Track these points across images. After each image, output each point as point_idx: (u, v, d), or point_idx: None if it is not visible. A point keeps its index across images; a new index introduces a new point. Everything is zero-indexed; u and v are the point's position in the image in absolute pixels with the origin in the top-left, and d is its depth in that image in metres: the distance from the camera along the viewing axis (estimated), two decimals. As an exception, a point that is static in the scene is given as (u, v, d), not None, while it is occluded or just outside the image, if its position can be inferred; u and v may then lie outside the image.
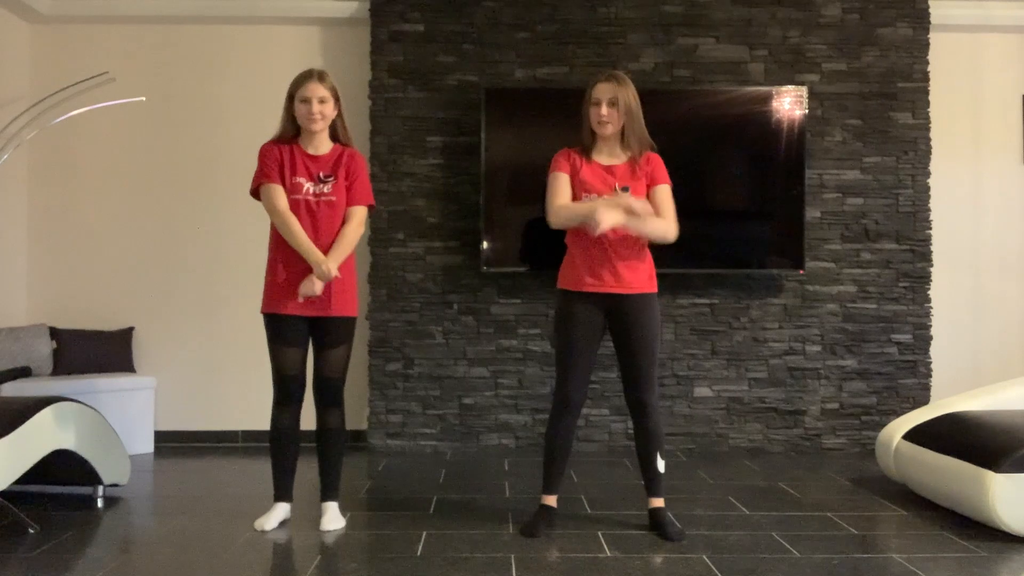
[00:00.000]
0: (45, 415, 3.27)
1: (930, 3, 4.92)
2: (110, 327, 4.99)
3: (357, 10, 4.93)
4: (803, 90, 4.75)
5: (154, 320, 5.03)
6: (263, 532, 3.19)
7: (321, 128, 3.20)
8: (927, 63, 4.91)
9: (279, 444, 3.26)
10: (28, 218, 5.04)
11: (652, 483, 3.23)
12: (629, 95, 3.13)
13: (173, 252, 5.03)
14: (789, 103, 4.74)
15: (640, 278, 3.15)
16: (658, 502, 3.23)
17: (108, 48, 5.03)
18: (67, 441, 3.38)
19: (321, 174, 3.20)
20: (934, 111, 5.00)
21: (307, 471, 4.23)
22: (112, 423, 4.47)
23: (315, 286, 3.11)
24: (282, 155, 3.22)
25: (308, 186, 3.18)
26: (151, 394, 4.82)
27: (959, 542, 3.06)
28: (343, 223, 3.23)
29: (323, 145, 3.24)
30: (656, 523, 3.19)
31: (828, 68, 4.89)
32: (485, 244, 4.70)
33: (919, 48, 4.91)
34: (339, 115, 3.25)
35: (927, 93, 4.90)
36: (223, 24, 5.04)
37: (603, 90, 3.13)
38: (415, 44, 4.86)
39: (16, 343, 4.66)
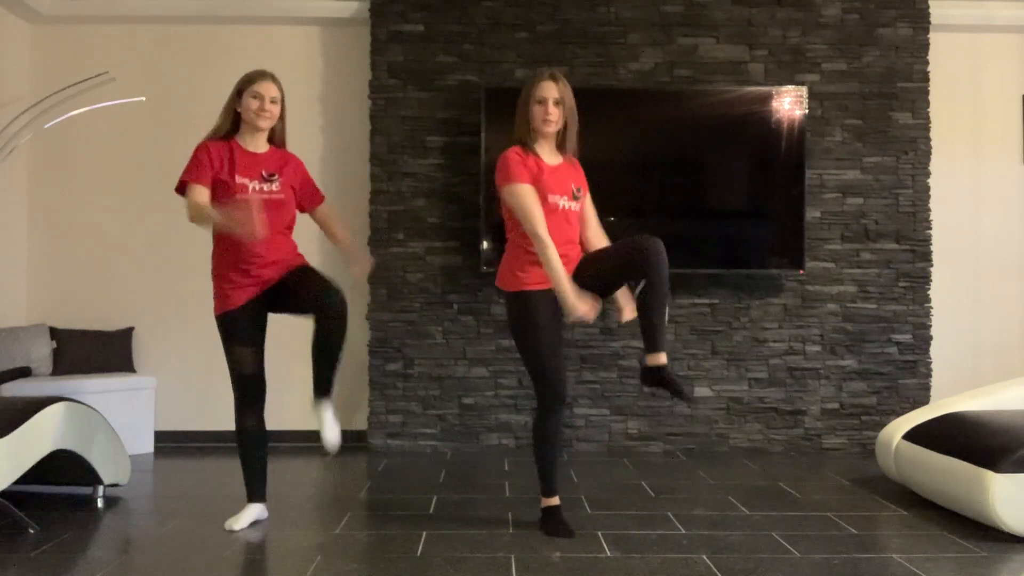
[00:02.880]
0: (45, 415, 3.27)
1: (930, 3, 4.92)
2: (110, 327, 4.98)
3: (357, 10, 4.93)
4: (803, 90, 4.75)
5: (154, 320, 5.03)
6: (231, 532, 3.18)
7: (268, 127, 3.25)
8: (927, 63, 4.91)
9: (246, 447, 3.29)
10: (28, 218, 5.04)
11: (656, 335, 2.91)
12: (571, 96, 3.14)
13: (173, 252, 5.03)
14: (789, 103, 4.74)
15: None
16: (661, 358, 2.95)
17: (108, 48, 5.03)
18: (67, 441, 3.38)
19: (264, 172, 3.21)
20: (934, 111, 5.00)
21: (305, 471, 4.23)
22: (112, 423, 4.45)
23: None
24: (220, 154, 3.19)
25: (253, 185, 3.17)
26: (151, 394, 4.82)
27: (959, 542, 3.06)
28: (325, 223, 3.44)
29: (263, 144, 3.28)
30: (660, 381, 2.93)
31: (828, 68, 4.89)
32: (485, 244, 4.70)
33: (919, 48, 4.91)
34: (282, 118, 3.31)
35: (927, 93, 4.90)
36: (223, 24, 5.04)
37: (549, 88, 3.10)
38: (415, 44, 4.85)
39: (16, 343, 4.65)
